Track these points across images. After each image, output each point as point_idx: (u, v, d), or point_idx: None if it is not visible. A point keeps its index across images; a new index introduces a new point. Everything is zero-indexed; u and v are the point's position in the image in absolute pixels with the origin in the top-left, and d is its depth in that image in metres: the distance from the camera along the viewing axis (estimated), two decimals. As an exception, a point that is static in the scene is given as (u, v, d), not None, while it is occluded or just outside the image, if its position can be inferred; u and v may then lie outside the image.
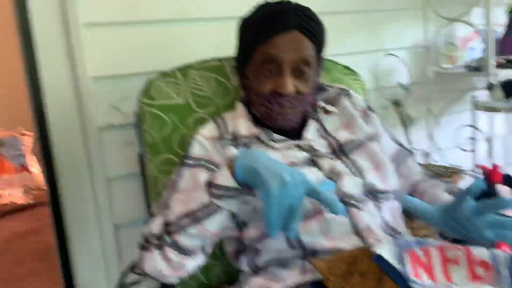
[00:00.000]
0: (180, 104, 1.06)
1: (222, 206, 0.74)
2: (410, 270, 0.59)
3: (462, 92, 1.73)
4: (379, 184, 0.89)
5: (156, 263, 0.77)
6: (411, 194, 1.01)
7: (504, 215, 0.73)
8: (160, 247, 0.77)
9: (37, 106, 1.18)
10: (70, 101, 1.21)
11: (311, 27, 0.91)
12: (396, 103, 1.57)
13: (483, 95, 1.28)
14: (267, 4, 0.94)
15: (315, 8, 0.93)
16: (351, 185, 0.86)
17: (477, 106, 1.21)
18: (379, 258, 0.62)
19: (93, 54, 1.19)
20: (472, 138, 1.28)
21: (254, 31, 0.92)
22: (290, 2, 0.94)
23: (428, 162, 1.62)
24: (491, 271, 0.59)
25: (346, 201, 0.84)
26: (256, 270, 0.87)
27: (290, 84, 0.89)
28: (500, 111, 1.23)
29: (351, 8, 1.58)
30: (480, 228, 0.72)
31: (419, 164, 1.16)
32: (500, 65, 1.54)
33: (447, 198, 0.92)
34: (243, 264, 0.90)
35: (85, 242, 1.27)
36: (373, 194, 0.88)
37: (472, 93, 1.42)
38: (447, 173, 1.55)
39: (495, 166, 1.25)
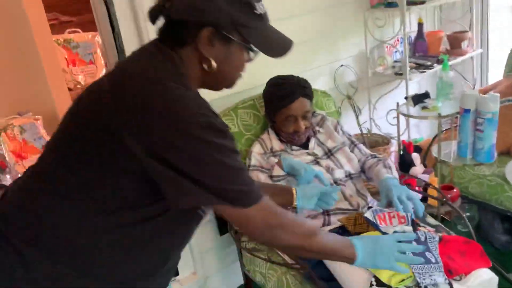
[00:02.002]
0: (236, 131, 1.83)
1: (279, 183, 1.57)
2: (378, 222, 1.44)
3: (392, 85, 2.60)
4: (351, 170, 1.74)
5: None
6: (362, 167, 1.87)
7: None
8: None
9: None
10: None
11: (308, 92, 1.69)
12: (349, 97, 2.39)
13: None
14: (282, 83, 1.68)
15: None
16: (338, 173, 1.70)
17: (398, 112, 2.07)
18: (366, 218, 1.47)
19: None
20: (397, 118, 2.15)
21: (277, 102, 1.67)
22: (294, 78, 1.70)
23: (371, 133, 2.49)
24: (405, 219, 1.45)
25: (338, 182, 1.68)
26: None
27: (302, 126, 1.68)
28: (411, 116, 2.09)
29: (313, 36, 2.27)
30: (397, 201, 1.57)
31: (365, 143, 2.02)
32: (412, 68, 2.40)
33: (383, 170, 1.78)
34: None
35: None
36: (349, 176, 1.73)
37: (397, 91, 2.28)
38: (383, 141, 2.44)
39: (410, 142, 2.15)
